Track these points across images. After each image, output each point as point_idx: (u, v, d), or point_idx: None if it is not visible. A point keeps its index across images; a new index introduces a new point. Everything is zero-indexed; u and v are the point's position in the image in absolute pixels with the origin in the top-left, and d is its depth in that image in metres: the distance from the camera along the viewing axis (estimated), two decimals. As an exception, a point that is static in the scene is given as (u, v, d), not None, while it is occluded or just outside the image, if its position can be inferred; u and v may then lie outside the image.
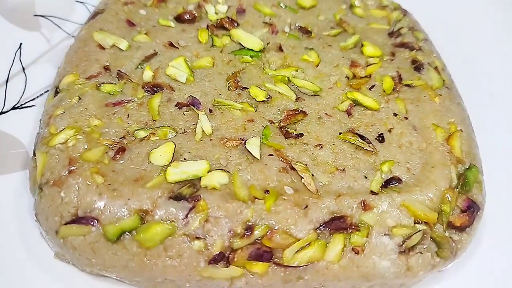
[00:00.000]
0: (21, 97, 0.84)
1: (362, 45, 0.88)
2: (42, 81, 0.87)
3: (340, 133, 0.74)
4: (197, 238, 0.61)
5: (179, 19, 0.90)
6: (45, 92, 0.85)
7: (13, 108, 0.83)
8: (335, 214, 0.64)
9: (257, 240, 0.61)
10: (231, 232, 0.61)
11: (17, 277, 0.66)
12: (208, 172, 0.64)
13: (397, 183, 0.69)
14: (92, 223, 0.61)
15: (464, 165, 0.72)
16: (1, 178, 0.75)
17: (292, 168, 0.68)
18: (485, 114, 0.90)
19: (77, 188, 0.63)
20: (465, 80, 0.90)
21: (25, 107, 0.84)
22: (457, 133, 0.76)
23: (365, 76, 0.83)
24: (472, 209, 0.68)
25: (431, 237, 0.65)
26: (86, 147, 0.67)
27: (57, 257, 0.68)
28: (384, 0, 1.01)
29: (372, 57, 0.87)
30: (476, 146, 0.77)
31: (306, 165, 0.69)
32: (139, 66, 0.80)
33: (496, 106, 0.94)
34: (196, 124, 0.72)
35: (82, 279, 0.67)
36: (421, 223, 0.65)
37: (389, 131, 0.76)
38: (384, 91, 0.81)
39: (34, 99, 0.85)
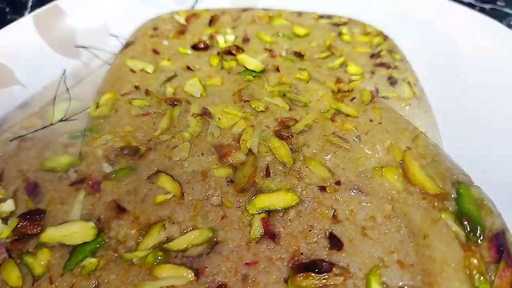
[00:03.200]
0: (66, 113, 0.90)
1: (347, 65, 0.92)
2: (83, 100, 0.92)
3: (286, 281, 0.49)
4: None
5: (195, 47, 0.97)
6: (86, 109, 0.89)
7: (60, 121, 0.86)
8: None
9: None
10: None
11: None
12: None
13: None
14: None
15: (451, 196, 0.56)
16: None
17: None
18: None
19: None
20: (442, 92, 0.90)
21: (69, 120, 0.87)
22: (408, 156, 0.61)
23: (348, 91, 0.84)
24: (502, 248, 0.51)
25: None
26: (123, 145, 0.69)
27: None
28: (368, 28, 1.07)
29: (354, 74, 0.89)
30: (437, 149, 0.65)
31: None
32: (162, 85, 0.86)
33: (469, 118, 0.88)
34: (207, 129, 0.71)
35: None
36: None
37: (334, 218, 0.54)
38: (363, 102, 0.80)
39: (76, 114, 0.90)
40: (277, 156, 0.62)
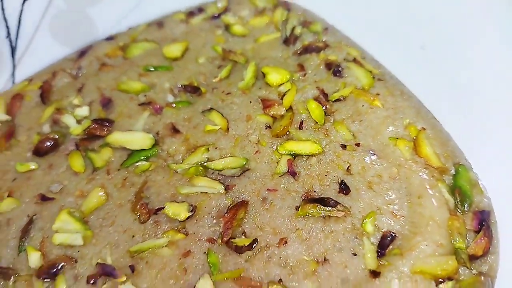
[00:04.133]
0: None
1: (264, 74, 0.72)
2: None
3: (297, 208, 0.59)
4: None
5: (38, 152, 0.70)
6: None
7: None
8: None
9: None
10: None
11: None
12: None
13: (393, 240, 0.56)
14: None
15: (449, 172, 0.61)
16: None
17: None
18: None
19: None
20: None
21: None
22: (421, 135, 0.63)
23: (287, 112, 0.68)
24: (484, 223, 0.57)
25: None
26: None
27: None
28: (257, 2, 0.85)
29: (281, 84, 0.71)
30: (448, 137, 0.65)
31: (281, 280, 0.54)
32: (20, 249, 0.62)
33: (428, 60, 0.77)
34: None
35: None
36: (444, 281, 0.54)
37: (348, 170, 0.61)
38: (317, 122, 0.66)
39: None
40: (311, 115, 0.67)
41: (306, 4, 0.85)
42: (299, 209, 0.58)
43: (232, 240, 0.57)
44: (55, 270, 0.58)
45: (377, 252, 0.55)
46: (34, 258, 0.59)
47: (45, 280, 0.58)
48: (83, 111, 0.72)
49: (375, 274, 0.53)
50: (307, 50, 0.75)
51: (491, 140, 0.68)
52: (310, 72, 0.72)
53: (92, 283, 0.57)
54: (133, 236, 0.59)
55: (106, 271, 0.56)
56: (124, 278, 0.56)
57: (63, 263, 0.58)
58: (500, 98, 0.71)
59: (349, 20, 0.81)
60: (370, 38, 0.79)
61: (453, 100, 0.72)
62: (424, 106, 0.69)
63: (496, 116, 0.70)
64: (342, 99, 0.68)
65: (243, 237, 0.57)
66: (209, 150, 0.65)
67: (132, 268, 0.57)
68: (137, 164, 0.65)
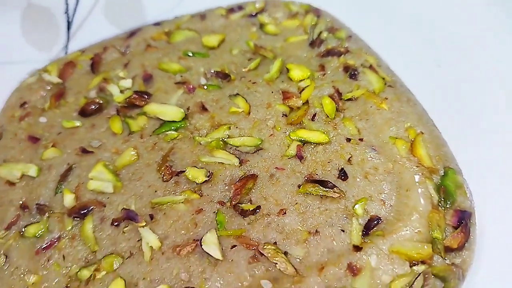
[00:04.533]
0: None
1: (288, 70, 0.80)
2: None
3: (299, 186, 0.67)
4: None
5: (84, 113, 0.80)
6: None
7: None
8: None
9: None
10: None
11: None
12: None
13: (378, 223, 0.62)
14: None
15: (439, 172, 0.67)
16: None
17: (262, 254, 0.60)
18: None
19: None
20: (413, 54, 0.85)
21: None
22: (419, 138, 0.69)
23: (303, 105, 0.76)
24: (463, 221, 0.62)
25: (433, 274, 0.59)
26: None
27: None
28: (292, 6, 0.93)
29: (301, 80, 0.79)
30: (443, 143, 0.71)
31: (275, 242, 0.62)
32: (57, 191, 0.71)
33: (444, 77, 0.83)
34: (140, 240, 0.64)
35: None
36: (418, 264, 0.59)
37: (349, 161, 0.68)
38: (328, 116, 0.74)
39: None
40: (324, 109, 0.75)
41: (335, 12, 0.95)
42: (301, 187, 0.66)
43: (239, 204, 0.65)
44: (85, 211, 0.68)
45: (363, 231, 0.62)
46: (69, 199, 0.69)
47: (75, 218, 0.68)
48: (127, 83, 0.83)
49: (357, 248, 0.60)
50: (329, 53, 0.83)
51: (490, 155, 0.73)
52: (329, 72, 0.81)
53: (116, 225, 0.67)
54: (155, 191, 0.68)
55: (129, 216, 0.66)
56: (144, 224, 0.65)
57: (93, 206, 0.69)
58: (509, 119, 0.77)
59: (373, 31, 0.89)
60: (390, 50, 0.86)
61: (461, 114, 0.78)
62: (427, 114, 0.75)
63: (500, 134, 0.76)
64: (353, 99, 0.76)
65: (249, 203, 0.65)
66: (230, 129, 0.74)
67: (152, 216, 0.66)
68: (167, 132, 0.75)
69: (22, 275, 0.63)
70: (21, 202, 0.70)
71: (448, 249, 0.61)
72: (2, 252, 0.65)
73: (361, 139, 0.71)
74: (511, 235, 0.66)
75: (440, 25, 0.89)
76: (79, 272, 0.62)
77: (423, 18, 0.91)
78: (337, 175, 0.68)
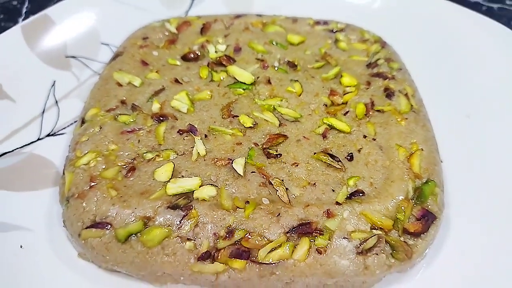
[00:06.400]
0: (54, 126, 0.99)
1: (342, 76, 0.99)
2: (72, 113, 1.01)
3: (314, 153, 0.84)
4: (188, 239, 0.72)
5: (185, 58, 1.05)
6: (74, 122, 0.98)
7: (48, 135, 0.97)
8: (302, 221, 0.73)
9: (237, 242, 0.71)
10: (216, 235, 0.72)
11: (47, 273, 0.77)
12: (200, 187, 0.77)
13: (360, 195, 0.77)
14: (106, 227, 0.73)
15: (422, 179, 0.79)
16: (37, 194, 0.87)
17: (270, 183, 0.78)
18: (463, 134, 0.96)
19: (95, 200, 0.76)
20: (445, 104, 1.01)
21: (57, 134, 0.98)
22: (418, 152, 0.83)
23: (342, 103, 0.93)
24: (426, 217, 0.74)
25: (386, 241, 0.72)
26: (104, 167, 0.81)
27: (80, 256, 0.79)
28: (365, 34, 1.12)
29: (349, 86, 0.97)
30: (436, 163, 0.83)
31: (282, 180, 0.79)
32: (149, 100, 0.94)
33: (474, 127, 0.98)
34: (193, 147, 0.84)
35: (100, 274, 0.78)
36: (377, 229, 0.73)
37: (358, 151, 0.85)
38: (357, 116, 0.90)
39: (65, 128, 0.99)
40: (356, 111, 0.92)
41: (397, 49, 1.15)
42: (315, 154, 0.83)
43: (268, 149, 0.84)
44: (163, 118, 0.91)
45: (347, 196, 0.77)
46: (155, 107, 0.94)
47: (155, 120, 0.91)
48: (222, 47, 1.09)
49: (338, 203, 0.75)
50: (378, 75, 1.00)
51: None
52: (372, 88, 0.98)
53: (180, 133, 0.88)
54: (214, 122, 0.91)
55: (191, 130, 0.88)
56: (199, 137, 0.86)
57: (169, 117, 0.92)
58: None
59: (419, 71, 1.07)
60: (428, 86, 1.04)
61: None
62: (434, 140, 0.89)
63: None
64: (382, 111, 0.92)
65: (274, 151, 0.84)
66: (282, 101, 0.94)
67: (206, 135, 0.87)
68: (237, 89, 0.97)
69: (107, 142, 0.85)
70: (123, 98, 0.94)
71: (405, 231, 0.73)
72: (99, 124, 0.88)
73: (374, 139, 0.87)
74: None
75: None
76: (145, 154, 0.83)
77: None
78: (345, 156, 0.84)
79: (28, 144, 0.93)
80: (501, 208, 0.83)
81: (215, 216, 0.73)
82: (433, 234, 0.75)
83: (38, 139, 0.95)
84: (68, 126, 0.98)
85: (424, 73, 1.05)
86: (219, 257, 0.70)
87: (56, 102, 1.01)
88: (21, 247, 0.78)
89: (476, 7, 1.15)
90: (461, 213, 0.83)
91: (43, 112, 0.99)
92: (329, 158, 0.82)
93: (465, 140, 0.95)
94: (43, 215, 0.84)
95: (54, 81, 1.04)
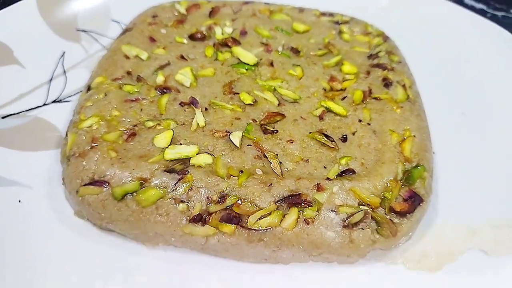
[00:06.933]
0: (61, 94, 1.02)
1: (342, 64, 1.02)
2: (78, 83, 1.04)
3: (310, 133, 0.86)
4: (182, 201, 0.74)
5: (192, 37, 1.08)
6: (80, 91, 1.01)
7: (54, 101, 1.01)
8: (293, 192, 0.75)
9: (228, 207, 0.73)
10: (208, 199, 0.74)
11: (43, 228, 0.79)
12: (197, 154, 0.79)
13: (351, 173, 0.79)
14: (104, 185, 0.75)
15: (411, 163, 0.81)
16: (38, 154, 0.90)
17: (265, 156, 0.81)
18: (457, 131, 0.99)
19: (95, 160, 0.78)
20: (439, 100, 1.05)
21: (63, 101, 1.01)
22: (410, 138, 0.85)
23: (341, 89, 0.96)
24: (413, 199, 0.76)
25: (372, 217, 0.74)
26: (106, 130, 0.83)
27: (76, 214, 0.81)
28: (369, 28, 1.16)
29: (349, 73, 1.00)
30: (427, 150, 0.86)
31: (277, 154, 0.81)
32: (154, 73, 0.97)
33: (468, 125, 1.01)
34: (193, 118, 0.87)
35: (95, 232, 0.79)
36: (364, 205, 0.75)
37: (353, 133, 0.87)
38: (354, 102, 0.93)
39: (71, 96, 1.02)
40: (354, 96, 0.94)
41: (399, 45, 1.17)
42: (311, 133, 0.86)
43: (265, 125, 0.87)
44: (166, 90, 0.94)
45: (338, 173, 0.79)
46: (160, 79, 0.96)
47: (158, 92, 0.93)
48: (229, 30, 1.12)
49: (328, 179, 0.77)
50: (378, 66, 1.03)
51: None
52: (371, 77, 1.00)
53: (182, 105, 0.91)
54: (215, 97, 0.93)
55: (193, 102, 0.90)
56: (200, 110, 0.89)
57: (173, 90, 0.95)
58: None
59: (418, 64, 1.09)
60: (427, 83, 1.06)
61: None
62: (427, 130, 0.91)
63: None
64: (378, 99, 0.94)
65: (271, 128, 0.86)
66: (282, 82, 0.97)
67: (206, 109, 0.90)
68: (240, 69, 1.00)
69: (110, 108, 0.87)
70: (129, 70, 0.97)
71: (392, 210, 0.75)
72: (104, 91, 0.90)
73: (369, 124, 0.89)
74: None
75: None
76: (146, 122, 0.86)
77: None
78: (340, 137, 0.86)
79: (34, 108, 0.96)
80: (489, 204, 0.85)
81: (209, 181, 0.75)
82: (419, 217, 0.77)
83: (44, 104, 0.98)
84: (74, 94, 1.01)
85: (423, 71, 1.08)
86: (210, 220, 0.72)
87: (64, 71, 1.05)
88: (19, 201, 0.81)
89: (481, 14, 1.20)
90: (450, 203, 0.85)
91: (51, 80, 1.02)
92: (324, 137, 0.84)
93: (459, 136, 0.97)
94: (43, 174, 0.86)
95: (64, 52, 1.08)
